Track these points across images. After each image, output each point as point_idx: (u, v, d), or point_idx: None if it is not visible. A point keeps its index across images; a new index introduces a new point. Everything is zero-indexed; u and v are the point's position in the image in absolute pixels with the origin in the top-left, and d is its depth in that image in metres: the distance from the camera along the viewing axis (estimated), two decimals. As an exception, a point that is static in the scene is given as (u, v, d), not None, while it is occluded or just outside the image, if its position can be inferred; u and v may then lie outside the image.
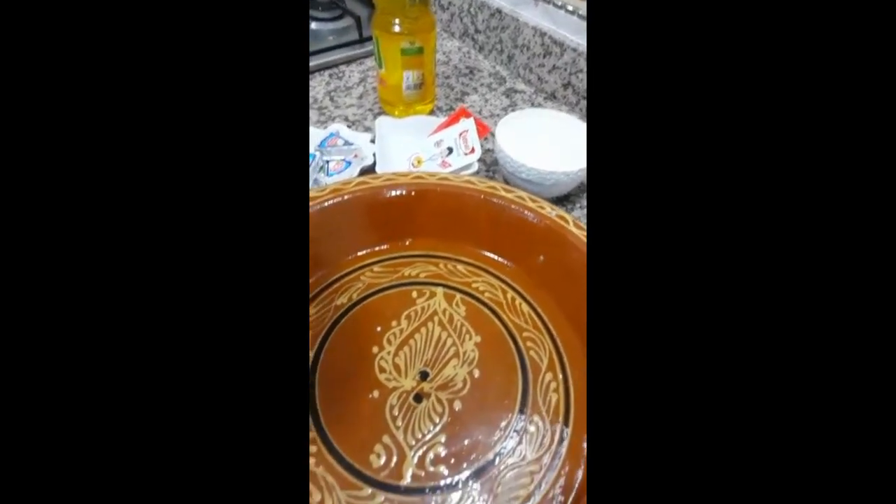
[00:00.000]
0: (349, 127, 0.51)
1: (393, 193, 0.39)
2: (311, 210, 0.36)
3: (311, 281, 0.37)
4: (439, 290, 0.37)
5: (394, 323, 0.35)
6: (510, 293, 0.37)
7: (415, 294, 0.37)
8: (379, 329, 0.34)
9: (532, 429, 0.30)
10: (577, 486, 0.28)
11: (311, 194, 0.37)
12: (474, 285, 0.38)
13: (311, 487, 0.27)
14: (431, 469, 0.28)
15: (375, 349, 0.33)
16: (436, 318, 0.35)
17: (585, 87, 0.57)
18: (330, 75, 0.64)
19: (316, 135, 0.48)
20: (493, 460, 0.28)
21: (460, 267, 0.39)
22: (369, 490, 0.27)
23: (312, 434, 0.29)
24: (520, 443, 0.29)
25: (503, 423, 0.30)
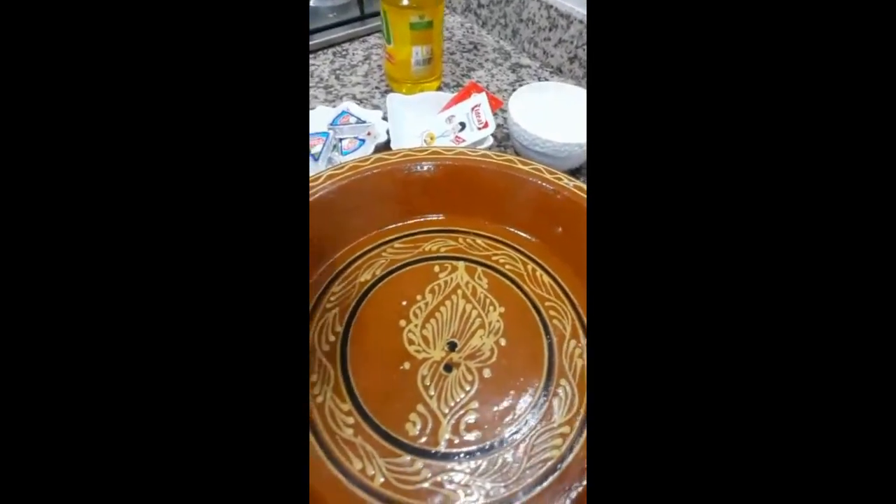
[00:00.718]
0: (359, 105, 0.51)
1: (411, 169, 0.39)
2: (330, 188, 0.37)
3: (333, 258, 0.37)
4: (461, 264, 0.37)
5: (418, 297, 0.35)
6: (530, 265, 0.38)
7: (437, 269, 0.37)
8: (405, 303, 0.35)
9: (560, 393, 0.31)
10: (607, 445, 0.29)
11: (329, 172, 0.37)
12: (494, 258, 0.38)
13: (351, 455, 0.27)
14: (465, 435, 0.29)
15: (403, 322, 0.33)
16: (459, 291, 0.36)
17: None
18: (334, 53, 0.63)
19: (327, 113, 0.47)
20: (525, 424, 0.29)
21: (479, 241, 0.39)
22: (408, 457, 0.28)
23: (349, 406, 0.29)
24: (549, 407, 0.30)
25: (532, 389, 0.31)
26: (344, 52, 0.63)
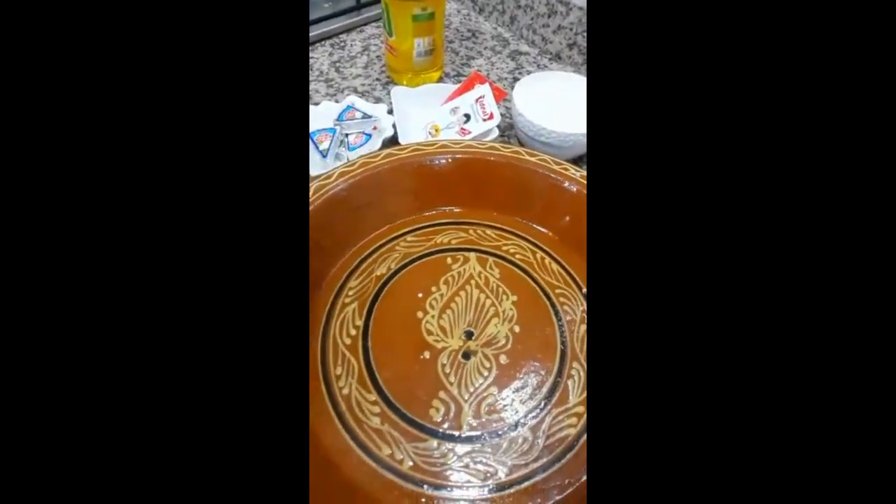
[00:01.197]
0: (361, 97, 0.51)
1: (421, 163, 0.40)
2: (343, 185, 0.37)
3: (349, 253, 0.38)
4: (472, 255, 0.39)
5: (433, 288, 0.36)
6: (539, 254, 0.39)
7: (449, 260, 0.38)
8: (420, 295, 0.36)
9: (574, 375, 0.32)
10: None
11: (341, 169, 0.38)
12: (504, 248, 0.39)
13: (380, 442, 0.29)
14: (486, 417, 0.30)
15: (420, 314, 0.35)
16: (472, 282, 0.37)
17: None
18: (332, 45, 0.63)
19: (332, 108, 0.48)
20: (541, 405, 0.31)
21: (489, 232, 0.40)
22: (434, 441, 0.29)
23: (374, 396, 0.31)
24: (564, 388, 0.32)
25: (546, 372, 0.32)
26: (342, 44, 0.63)
